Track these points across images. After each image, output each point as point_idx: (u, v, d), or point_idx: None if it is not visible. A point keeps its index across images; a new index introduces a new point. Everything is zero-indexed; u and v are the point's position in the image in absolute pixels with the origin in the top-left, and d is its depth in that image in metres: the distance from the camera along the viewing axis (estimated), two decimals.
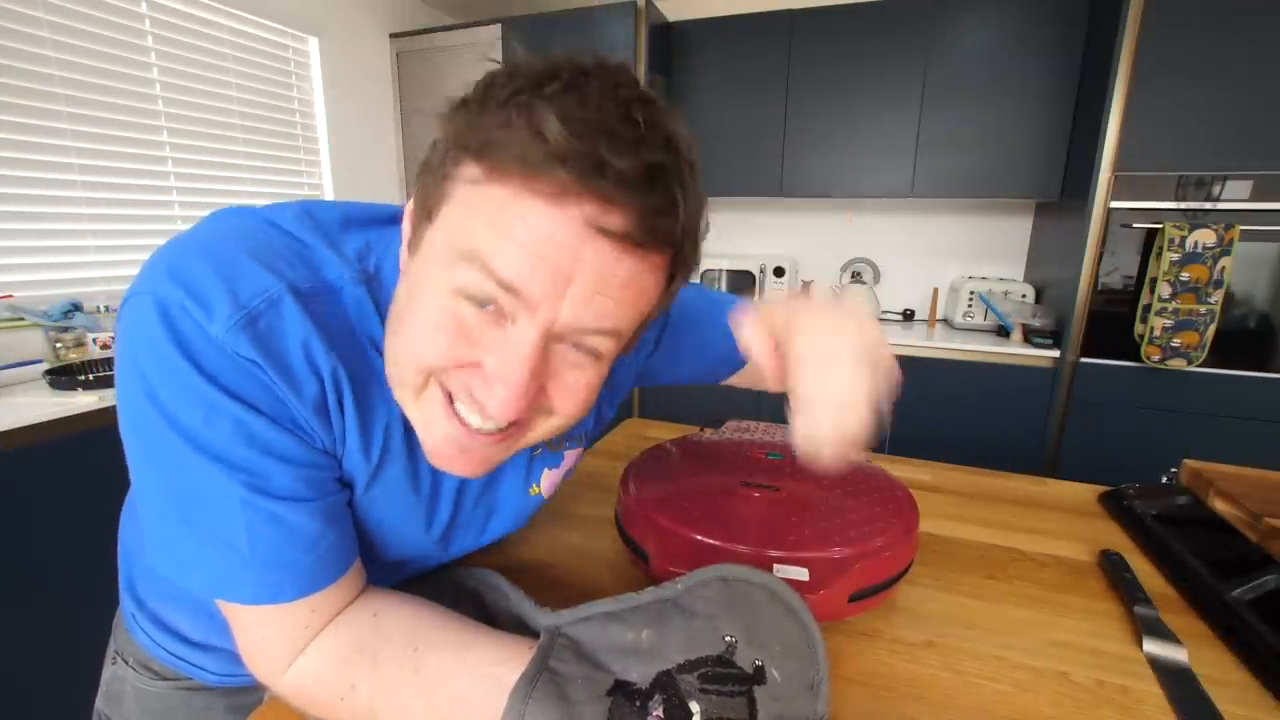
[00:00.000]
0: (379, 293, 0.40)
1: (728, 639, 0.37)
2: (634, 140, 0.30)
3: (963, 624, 0.52)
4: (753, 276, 2.58)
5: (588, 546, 0.64)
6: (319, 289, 0.37)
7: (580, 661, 0.37)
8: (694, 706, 0.34)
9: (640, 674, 0.36)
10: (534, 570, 0.60)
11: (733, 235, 2.95)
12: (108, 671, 0.60)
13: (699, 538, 0.49)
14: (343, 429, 0.39)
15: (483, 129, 0.31)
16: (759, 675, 0.36)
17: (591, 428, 0.58)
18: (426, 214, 0.35)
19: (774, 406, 0.48)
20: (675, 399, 2.61)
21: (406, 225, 0.38)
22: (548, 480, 0.54)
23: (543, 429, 0.39)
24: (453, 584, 0.50)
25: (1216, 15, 1.73)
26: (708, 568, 0.42)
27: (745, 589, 0.41)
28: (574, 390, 0.37)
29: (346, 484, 0.42)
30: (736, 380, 0.66)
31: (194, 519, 0.35)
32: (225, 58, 1.98)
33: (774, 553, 0.48)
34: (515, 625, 0.43)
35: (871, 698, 0.44)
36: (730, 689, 0.35)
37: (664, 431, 1.01)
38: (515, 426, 0.38)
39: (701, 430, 0.79)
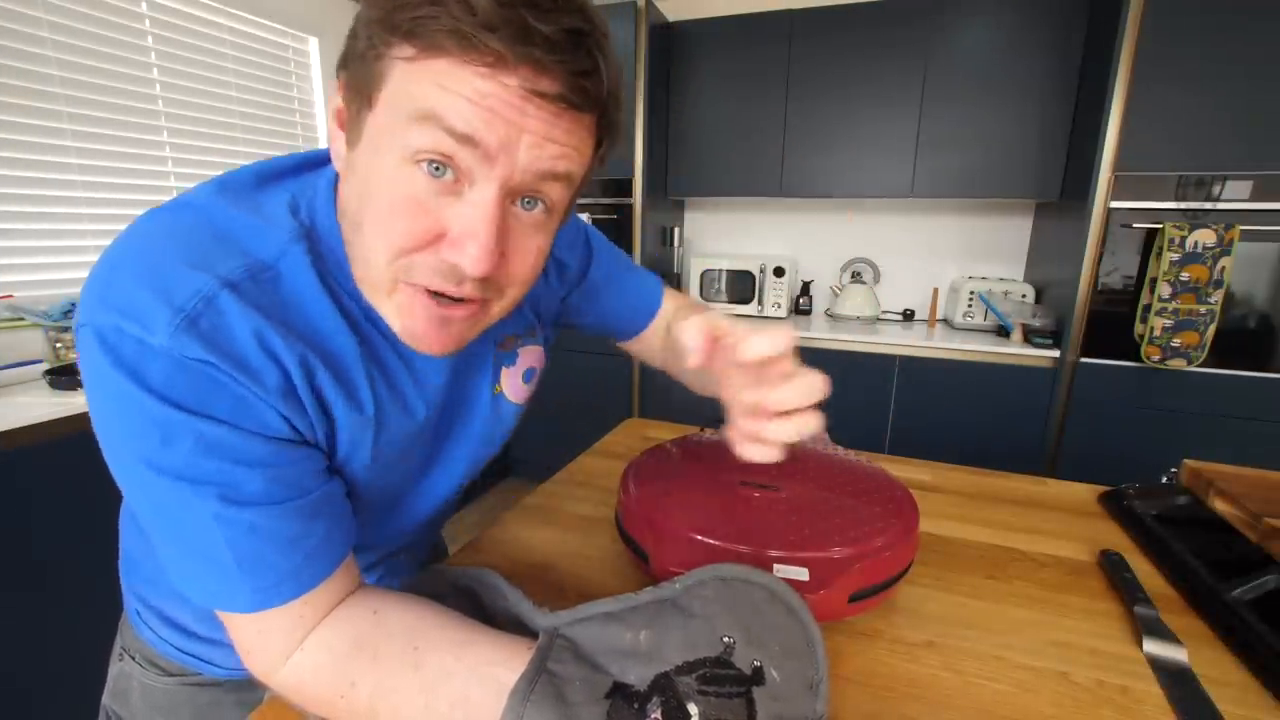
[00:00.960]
0: (320, 243, 0.40)
1: (726, 640, 0.37)
2: (552, 9, 0.32)
3: (963, 624, 0.52)
4: (753, 276, 2.58)
5: (588, 546, 0.64)
6: (255, 271, 0.37)
7: (579, 663, 0.37)
8: (692, 708, 0.34)
9: (639, 676, 0.36)
10: (533, 570, 0.60)
11: (733, 235, 2.95)
12: (114, 668, 0.61)
13: (699, 538, 0.49)
14: (321, 413, 0.39)
15: (410, 8, 0.32)
16: (758, 676, 0.36)
17: (539, 328, 0.60)
18: (366, 101, 0.35)
19: None
20: (675, 399, 2.60)
21: (334, 124, 0.39)
22: (508, 379, 0.56)
23: (497, 308, 0.41)
24: (451, 584, 0.50)
25: (1216, 15, 1.73)
26: (706, 567, 0.42)
27: (744, 589, 0.41)
28: (526, 254, 0.39)
29: (335, 470, 0.42)
30: (634, 349, 0.72)
31: (177, 539, 0.36)
32: (225, 58, 1.97)
33: (774, 553, 0.48)
34: (513, 625, 0.43)
35: (871, 698, 0.44)
36: (729, 690, 0.35)
37: (664, 431, 1.01)
38: (478, 305, 0.39)
39: (701, 430, 0.79)
